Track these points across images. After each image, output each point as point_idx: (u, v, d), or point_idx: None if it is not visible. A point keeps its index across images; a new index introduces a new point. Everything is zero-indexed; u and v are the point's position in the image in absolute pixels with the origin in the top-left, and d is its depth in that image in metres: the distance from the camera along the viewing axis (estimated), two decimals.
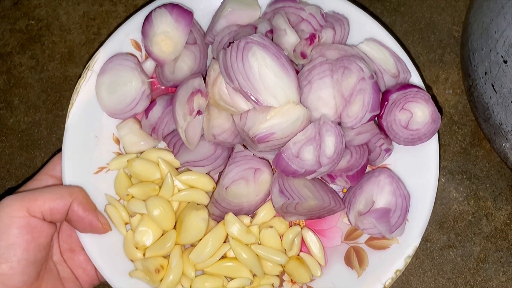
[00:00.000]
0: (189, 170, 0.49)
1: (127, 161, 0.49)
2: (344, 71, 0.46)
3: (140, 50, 0.52)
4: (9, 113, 0.59)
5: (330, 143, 0.45)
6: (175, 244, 0.47)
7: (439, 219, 0.54)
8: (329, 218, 0.50)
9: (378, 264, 0.47)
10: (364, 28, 0.50)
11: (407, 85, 0.47)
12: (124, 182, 0.49)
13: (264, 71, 0.44)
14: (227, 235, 0.47)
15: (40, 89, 0.60)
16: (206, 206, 0.48)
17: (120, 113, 0.50)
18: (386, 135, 0.48)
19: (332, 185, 0.50)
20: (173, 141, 0.49)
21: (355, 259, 0.48)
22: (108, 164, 0.50)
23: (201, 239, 0.47)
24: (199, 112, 0.46)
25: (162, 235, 0.48)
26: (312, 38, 0.48)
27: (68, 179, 0.48)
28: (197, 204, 0.48)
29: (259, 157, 0.48)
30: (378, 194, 0.48)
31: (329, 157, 0.46)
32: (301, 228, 0.49)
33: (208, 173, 0.50)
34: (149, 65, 0.52)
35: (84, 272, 0.49)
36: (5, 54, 0.60)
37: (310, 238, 0.49)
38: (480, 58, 0.46)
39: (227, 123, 0.47)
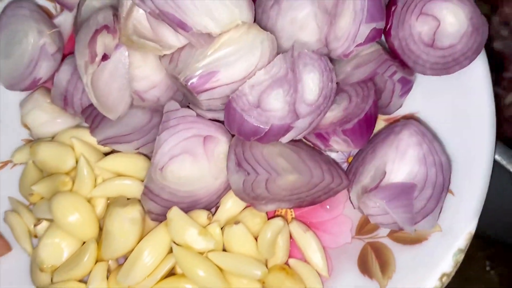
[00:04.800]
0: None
1: (30, 147, 0.35)
2: None
3: (54, 1, 0.39)
4: None
5: (311, 82, 0.30)
6: (96, 261, 0.31)
7: None
8: (330, 203, 0.33)
9: (412, 267, 0.31)
10: None
11: None
12: (31, 178, 0.35)
13: None
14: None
15: None
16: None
17: (19, 81, 0.38)
18: (403, 64, 0.31)
19: (332, 154, 0.33)
20: (94, 113, 0.35)
21: (374, 262, 0.32)
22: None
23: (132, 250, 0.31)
24: (105, 57, 0.30)
25: None
26: None
27: None
28: (128, 199, 0.33)
29: (209, 119, 0.32)
30: (395, 161, 0.30)
31: (311, 103, 0.30)
32: (288, 222, 0.32)
33: (145, 154, 0.34)
34: (65, 19, 0.38)
35: None
36: None
37: (302, 235, 0.32)
38: None
39: (157, 74, 0.33)
